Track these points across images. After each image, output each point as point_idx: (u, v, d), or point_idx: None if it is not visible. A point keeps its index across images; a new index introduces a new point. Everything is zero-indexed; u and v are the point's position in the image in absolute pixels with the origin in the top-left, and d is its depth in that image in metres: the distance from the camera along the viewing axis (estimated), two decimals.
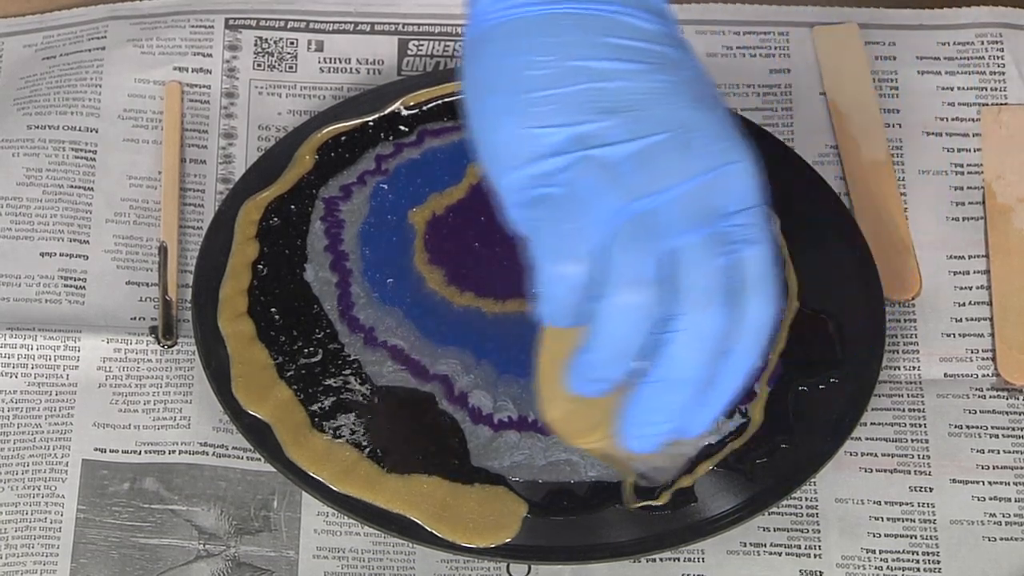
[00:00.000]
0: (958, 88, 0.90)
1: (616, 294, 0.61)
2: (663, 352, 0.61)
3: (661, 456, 0.69)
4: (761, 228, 0.62)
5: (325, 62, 0.92)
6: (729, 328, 0.61)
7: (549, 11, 0.64)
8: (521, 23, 0.65)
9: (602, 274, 0.61)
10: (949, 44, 0.91)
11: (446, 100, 0.88)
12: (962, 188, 0.88)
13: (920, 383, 0.83)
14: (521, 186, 0.63)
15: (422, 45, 0.92)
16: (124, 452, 0.81)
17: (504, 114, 0.64)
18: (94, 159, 0.88)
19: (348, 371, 0.81)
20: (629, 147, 0.62)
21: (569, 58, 0.63)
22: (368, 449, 0.79)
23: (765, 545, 0.79)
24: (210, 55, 0.91)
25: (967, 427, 0.82)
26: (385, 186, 0.86)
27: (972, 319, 0.85)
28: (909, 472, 0.81)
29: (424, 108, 0.88)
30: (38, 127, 0.89)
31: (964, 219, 0.87)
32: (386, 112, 0.88)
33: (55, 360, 0.83)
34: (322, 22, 0.93)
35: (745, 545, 0.79)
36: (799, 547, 0.79)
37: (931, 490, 0.80)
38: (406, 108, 0.88)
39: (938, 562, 0.79)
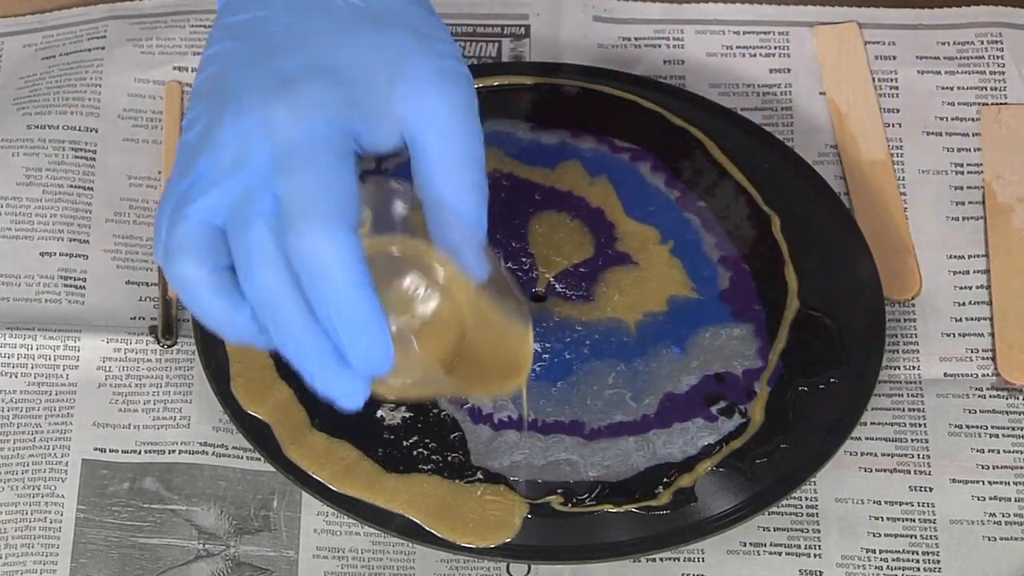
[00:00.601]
0: (958, 88, 0.90)
1: (165, 266, 0.64)
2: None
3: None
4: (287, 169, 0.62)
5: None
6: (291, 266, 0.62)
7: None
8: None
9: None
10: (949, 44, 0.91)
11: None
12: (962, 188, 0.88)
13: (920, 383, 0.83)
14: None
15: None
16: (124, 452, 0.81)
17: None
18: (94, 159, 0.88)
19: None
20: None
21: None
22: (368, 449, 0.79)
23: (765, 545, 0.79)
24: None
25: (967, 427, 0.82)
26: None
27: (972, 319, 0.84)
28: (909, 472, 0.81)
29: None
30: (38, 127, 0.89)
31: (964, 219, 0.87)
32: None
33: (55, 360, 0.83)
34: None
35: (745, 545, 0.79)
36: (799, 547, 0.79)
37: (931, 490, 0.80)
38: None
39: (938, 562, 0.79)
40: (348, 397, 0.63)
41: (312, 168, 0.62)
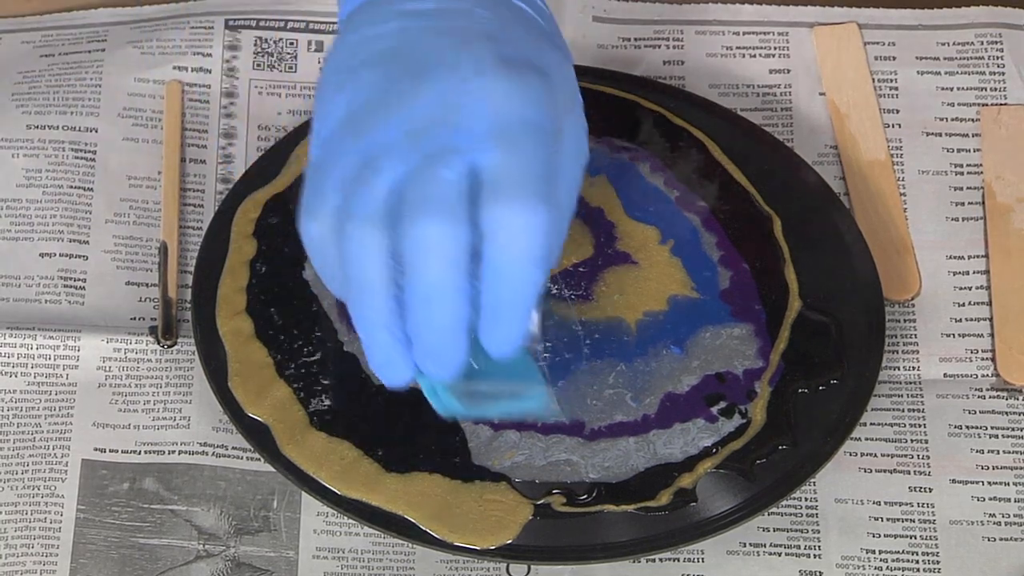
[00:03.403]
0: (958, 88, 0.90)
1: (343, 229, 0.61)
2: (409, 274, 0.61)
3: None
4: (507, 141, 0.61)
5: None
6: (474, 238, 0.61)
7: None
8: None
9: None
10: (949, 44, 0.91)
11: None
12: (962, 188, 0.88)
13: (920, 383, 0.83)
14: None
15: None
16: (124, 452, 0.81)
17: None
18: (94, 159, 0.88)
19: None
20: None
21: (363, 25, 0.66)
22: (368, 448, 0.79)
23: (765, 545, 0.79)
24: (210, 55, 0.91)
25: (967, 427, 0.82)
26: None
27: (972, 319, 0.85)
28: (909, 472, 0.81)
29: None
30: (37, 127, 0.89)
31: (964, 219, 0.87)
32: None
33: (55, 360, 0.83)
34: (322, 22, 0.93)
35: (745, 545, 0.79)
36: (799, 547, 0.79)
37: (931, 490, 0.80)
38: None
39: (937, 562, 0.79)
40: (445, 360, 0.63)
41: (534, 146, 0.62)
